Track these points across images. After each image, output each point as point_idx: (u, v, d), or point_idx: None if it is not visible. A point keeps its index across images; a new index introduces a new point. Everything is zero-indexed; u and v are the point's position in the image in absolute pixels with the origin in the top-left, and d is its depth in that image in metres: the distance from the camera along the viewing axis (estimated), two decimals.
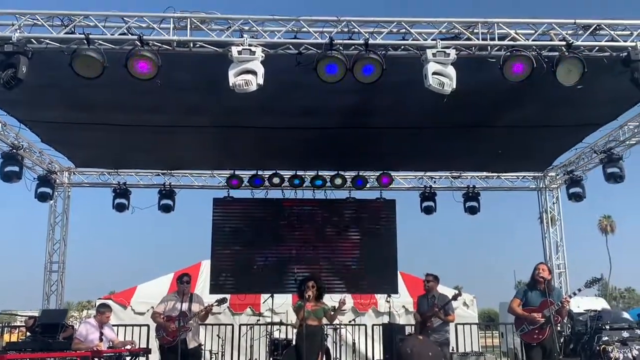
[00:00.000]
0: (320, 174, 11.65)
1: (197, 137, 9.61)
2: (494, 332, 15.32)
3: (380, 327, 11.39)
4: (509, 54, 6.33)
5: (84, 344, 8.41)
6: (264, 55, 6.15)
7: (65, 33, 6.18)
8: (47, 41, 6.19)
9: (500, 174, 12.20)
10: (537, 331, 7.30)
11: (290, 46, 6.36)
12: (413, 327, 9.94)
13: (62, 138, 9.92)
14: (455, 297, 8.90)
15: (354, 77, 6.24)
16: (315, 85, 6.65)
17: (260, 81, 6.10)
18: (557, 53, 6.42)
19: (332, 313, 8.25)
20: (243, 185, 11.69)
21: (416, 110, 8.29)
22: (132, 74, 6.17)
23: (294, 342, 10.30)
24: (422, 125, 8.90)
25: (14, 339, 11.52)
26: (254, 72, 6.10)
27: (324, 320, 8.27)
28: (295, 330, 10.77)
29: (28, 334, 9.82)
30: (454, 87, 6.14)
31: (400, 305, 12.70)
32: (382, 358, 10.81)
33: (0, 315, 12.61)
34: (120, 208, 11.82)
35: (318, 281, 8.34)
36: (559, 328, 7.49)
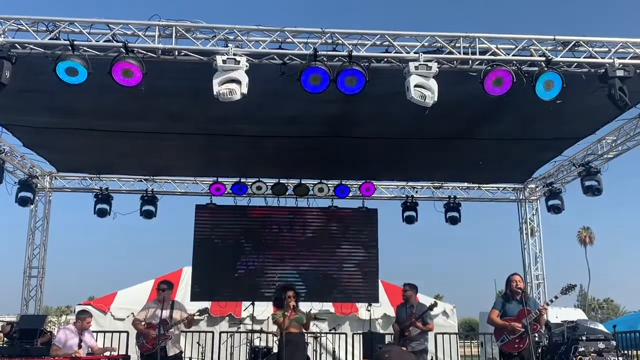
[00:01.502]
0: (303, 182, 11.70)
1: (181, 144, 9.62)
2: (473, 341, 15.42)
3: (361, 335, 11.44)
4: (489, 68, 6.44)
5: (62, 350, 8.34)
6: (248, 64, 6.20)
7: (50, 39, 6.18)
8: (31, 46, 6.19)
9: (481, 185, 12.35)
10: (517, 340, 7.40)
11: (275, 56, 6.41)
12: (392, 336, 10.00)
13: (44, 143, 9.86)
14: (431, 307, 9.00)
15: (337, 88, 6.30)
16: (299, 95, 6.71)
17: (245, 90, 6.14)
18: (536, 68, 6.54)
19: (307, 321, 8.32)
20: (226, 192, 11.71)
21: (399, 121, 8.39)
22: (116, 81, 6.18)
23: (275, 351, 10.33)
24: (404, 135, 9.00)
25: None
26: (238, 81, 6.14)
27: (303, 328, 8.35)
28: (275, 339, 10.83)
29: (5, 339, 9.74)
30: (436, 99, 6.23)
31: (380, 313, 12.75)
32: None
33: None
34: (101, 214, 11.76)
35: (295, 291, 8.42)
36: (536, 338, 7.59)
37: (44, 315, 10.96)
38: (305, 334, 8.67)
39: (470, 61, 6.55)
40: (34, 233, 11.93)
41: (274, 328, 11.64)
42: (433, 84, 6.22)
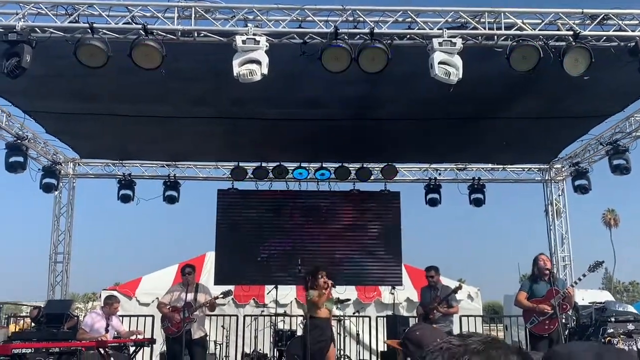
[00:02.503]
0: (324, 165, 11.61)
1: (202, 128, 9.59)
2: (498, 324, 15.29)
3: (385, 318, 11.39)
4: (515, 43, 6.27)
5: (89, 334, 8.44)
6: (268, 44, 6.11)
7: (69, 22, 6.17)
8: (51, 30, 6.17)
9: (506, 166, 12.15)
10: (547, 322, 7.29)
11: (295, 35, 6.32)
12: (417, 319, 9.94)
13: (67, 129, 9.91)
14: (456, 290, 8.92)
15: (359, 67, 6.19)
16: (320, 76, 6.63)
17: (265, 71, 6.06)
18: (564, 43, 6.36)
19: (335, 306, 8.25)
20: (247, 176, 11.68)
21: (421, 100, 8.25)
22: (137, 64, 6.15)
23: (300, 334, 10.33)
24: (427, 116, 8.85)
25: (19, 329, 11.56)
26: (258, 62, 6.07)
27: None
28: (299, 321, 10.84)
29: (33, 324, 9.88)
30: (460, 76, 6.09)
31: (404, 297, 12.68)
32: (386, 349, 10.81)
33: (6, 306, 12.66)
34: (125, 199, 11.82)
35: (326, 271, 8.27)
36: (564, 320, 7.48)
37: (70, 300, 11.07)
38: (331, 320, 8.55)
39: (495, 37, 6.40)
40: (59, 219, 12.03)
41: (297, 311, 11.69)
42: (457, 60, 6.08)
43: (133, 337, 8.97)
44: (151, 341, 9.26)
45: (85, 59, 6.07)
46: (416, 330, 2.56)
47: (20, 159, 9.72)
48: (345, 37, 6.19)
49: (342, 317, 11.25)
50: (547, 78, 7.04)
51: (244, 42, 6.05)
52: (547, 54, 6.29)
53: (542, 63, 6.26)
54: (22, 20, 6.09)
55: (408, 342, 2.52)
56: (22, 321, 12.85)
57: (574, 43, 6.28)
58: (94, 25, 6.08)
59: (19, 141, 9.68)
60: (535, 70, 6.34)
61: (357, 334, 12.07)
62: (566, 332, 8.43)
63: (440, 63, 6.05)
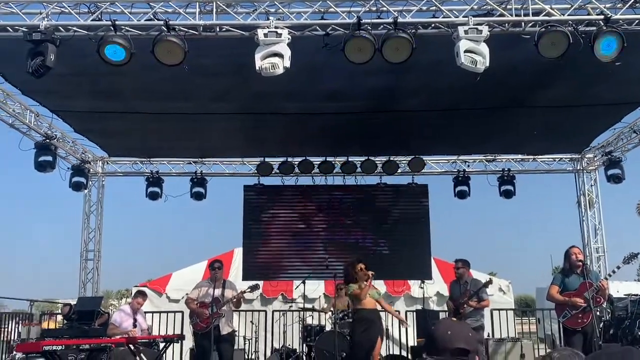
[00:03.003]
0: (350, 159, 11.52)
1: (226, 124, 9.59)
2: (530, 318, 15.05)
3: (414, 313, 11.28)
4: (544, 29, 6.09)
5: (119, 329, 8.54)
6: (290, 37, 6.04)
7: (92, 20, 6.18)
8: (75, 29, 6.19)
9: (536, 157, 11.91)
10: (580, 315, 7.11)
11: (317, 27, 6.23)
12: (447, 313, 9.81)
13: (94, 127, 10.00)
14: (486, 285, 8.76)
15: (382, 57, 6.08)
16: (343, 68, 6.54)
17: (287, 64, 6.00)
18: (594, 28, 6.16)
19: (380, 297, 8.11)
20: (273, 172, 11.67)
21: (448, 91, 8.10)
22: (160, 60, 6.15)
23: (328, 329, 10.28)
24: (454, 106, 8.70)
25: (52, 326, 11.74)
26: (280, 55, 6.00)
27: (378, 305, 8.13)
28: (328, 316, 10.78)
29: (65, 322, 10.03)
30: (487, 64, 5.94)
31: (434, 291, 12.55)
32: (416, 344, 10.70)
33: (40, 303, 12.87)
34: (153, 196, 11.91)
35: (365, 263, 8.13)
36: (598, 313, 7.28)
37: (100, 297, 11.23)
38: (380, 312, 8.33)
39: (522, 23, 6.21)
40: (89, 217, 12.18)
41: (325, 306, 11.63)
42: (484, 48, 5.93)
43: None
44: (180, 337, 9.29)
45: (108, 56, 6.07)
46: (439, 326, 2.48)
47: (50, 158, 9.84)
48: (369, 27, 6.07)
49: None
50: (578, 64, 6.84)
51: (265, 35, 5.99)
52: (577, 39, 6.09)
53: (571, 49, 6.07)
54: (46, 19, 6.13)
55: (435, 340, 2.45)
56: (55, 318, 13.05)
57: (604, 27, 6.07)
58: (117, 22, 6.08)
59: (48, 140, 9.80)
60: (564, 56, 6.15)
61: (387, 329, 11.98)
62: (601, 325, 8.23)
63: (466, 51, 5.91)
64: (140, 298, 9.23)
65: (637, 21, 6.28)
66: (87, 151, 11.58)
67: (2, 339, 10.50)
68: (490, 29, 6.08)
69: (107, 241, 12.42)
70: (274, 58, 6.02)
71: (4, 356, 10.10)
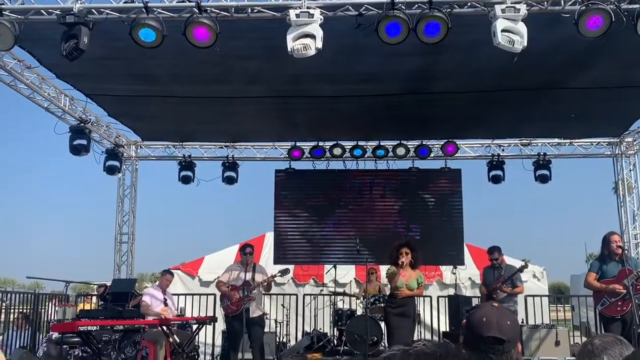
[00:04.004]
0: (382, 144, 11.40)
1: (258, 107, 9.56)
2: (565, 305, 14.80)
3: (446, 298, 11.19)
4: (584, 7, 5.88)
5: (152, 307, 8.67)
6: (322, 17, 5.95)
7: (124, 2, 6.18)
8: (107, 11, 6.21)
9: (573, 140, 11.62)
10: (619, 303, 6.95)
11: (350, 7, 6.12)
12: (479, 299, 9.70)
13: (128, 111, 10.08)
14: (522, 269, 8.64)
15: (417, 37, 5.96)
16: (376, 49, 6.44)
17: (319, 45, 5.92)
18: (638, 5, 5.92)
19: (420, 286, 7.87)
20: (304, 156, 11.63)
21: (483, 72, 7.92)
22: (191, 42, 6.13)
23: (359, 313, 10.26)
24: (489, 88, 8.50)
25: (87, 307, 11.96)
26: (312, 36, 5.92)
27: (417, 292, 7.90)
28: (359, 301, 10.76)
29: (101, 302, 10.20)
30: (525, 44, 5.77)
31: (466, 277, 12.42)
32: (448, 330, 10.61)
33: (76, 285, 13.11)
34: (186, 180, 11.99)
35: (413, 247, 7.86)
36: (637, 300, 7.09)
37: (134, 279, 11.36)
38: (415, 299, 8.12)
39: (562, 1, 6.01)
40: (123, 201, 12.33)
41: (356, 291, 11.61)
42: (522, 27, 5.76)
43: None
44: (213, 319, 9.38)
45: (141, 38, 6.07)
46: (475, 311, 2.39)
47: (84, 142, 9.96)
48: (403, 6, 5.95)
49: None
50: (619, 44, 6.60)
51: (297, 16, 5.91)
52: (619, 17, 5.87)
53: (613, 28, 5.85)
54: (79, 2, 6.14)
55: (468, 327, 2.35)
56: (90, 300, 13.30)
57: None
58: (149, 4, 6.07)
59: (82, 124, 9.91)
60: (605, 35, 5.94)
61: (418, 314, 11.92)
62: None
63: (503, 31, 5.75)
64: (168, 275, 9.42)
65: None
66: (120, 135, 11.70)
67: (42, 319, 10.74)
68: (529, 7, 5.91)
69: (140, 225, 12.58)
70: (306, 39, 5.94)
71: (41, 336, 10.33)
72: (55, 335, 8.88)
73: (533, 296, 11.00)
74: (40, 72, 8.57)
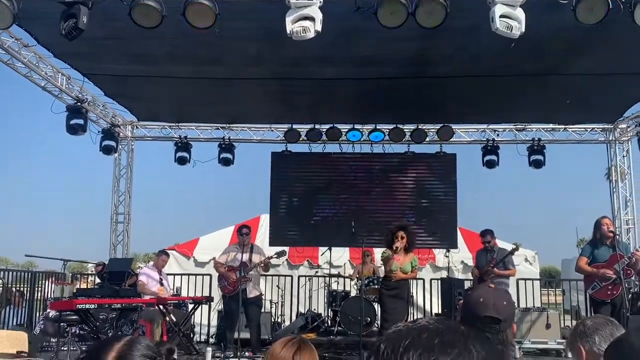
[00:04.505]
0: (378, 127, 11.45)
1: (256, 89, 9.57)
2: (556, 289, 14.99)
3: (439, 281, 11.32)
4: None
5: (148, 286, 8.76)
6: (322, 0, 5.97)
7: None
8: None
9: (568, 126, 11.70)
10: (610, 287, 7.08)
11: None
12: (472, 282, 9.83)
13: (125, 91, 10.06)
14: (513, 252, 8.77)
15: (416, 21, 5.99)
16: (375, 33, 6.45)
17: (319, 27, 5.93)
18: None
19: (413, 270, 8.01)
20: (301, 139, 11.66)
21: (480, 57, 7.96)
22: (190, 23, 6.13)
23: (353, 294, 10.39)
24: (486, 73, 8.55)
25: (83, 286, 12.05)
26: (311, 18, 5.93)
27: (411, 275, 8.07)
28: (353, 283, 10.88)
29: (97, 280, 10.29)
30: (523, 30, 5.81)
31: (458, 260, 12.55)
32: (440, 312, 10.76)
33: (72, 264, 13.21)
34: (182, 161, 12.00)
35: (409, 230, 8.03)
36: (627, 285, 7.23)
37: (131, 259, 11.46)
38: (409, 282, 8.29)
39: None
40: (119, 181, 12.37)
41: (351, 272, 11.72)
42: (520, 13, 5.80)
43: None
44: (209, 299, 9.50)
45: (139, 19, 6.07)
46: (473, 292, 2.48)
47: (81, 121, 9.97)
48: None
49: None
50: (616, 31, 6.65)
51: None
52: (617, 4, 5.91)
53: (610, 15, 5.90)
54: None
55: (466, 307, 2.44)
56: (87, 278, 13.39)
57: None
58: None
59: (79, 104, 9.91)
60: (603, 22, 5.99)
61: (411, 297, 12.06)
62: (629, 297, 8.18)
63: (501, 16, 5.78)
64: (164, 256, 9.50)
65: None
66: (117, 115, 11.69)
67: (38, 297, 10.83)
68: None
69: (135, 205, 12.62)
70: (305, 21, 5.95)
71: (38, 314, 10.43)
72: (52, 313, 8.98)
73: (525, 280, 11.15)
74: (38, 51, 8.56)
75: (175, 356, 1.32)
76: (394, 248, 7.67)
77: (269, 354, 2.45)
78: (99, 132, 11.16)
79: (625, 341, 1.32)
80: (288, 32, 5.96)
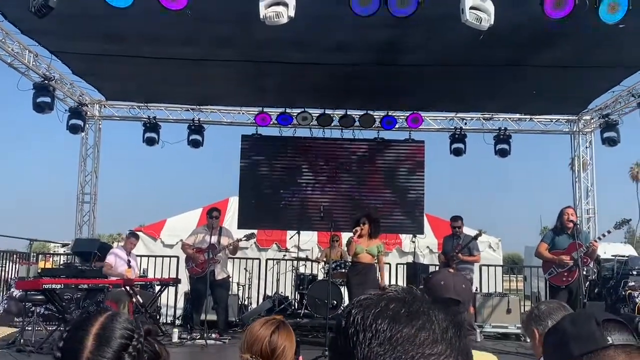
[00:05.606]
0: (349, 113, 11.54)
1: (227, 71, 9.54)
2: (518, 275, 15.36)
3: (405, 266, 11.51)
4: None
5: (113, 269, 8.71)
6: None
7: None
8: None
9: (533, 117, 11.96)
10: (565, 274, 7.32)
11: None
12: (438, 267, 10.03)
13: (93, 70, 9.92)
14: (476, 237, 8.97)
15: (388, 10, 6.06)
16: (348, 19, 6.50)
17: (292, 13, 5.96)
18: None
19: (380, 254, 8.22)
20: (271, 122, 11.68)
21: (450, 47, 8.08)
22: (162, 4, 6.09)
23: (320, 278, 10.51)
24: (455, 62, 8.68)
25: (48, 266, 11.92)
26: (285, 4, 5.96)
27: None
28: (321, 266, 11.00)
29: (63, 260, 10.18)
30: (492, 22, 5.94)
31: (424, 245, 12.75)
32: None
33: (35, 244, 13.04)
34: (150, 142, 11.91)
35: (373, 217, 8.26)
36: (585, 272, 7.49)
37: (97, 239, 11.37)
38: (376, 266, 8.45)
39: None
40: (85, 160, 12.23)
41: (319, 256, 11.84)
42: (489, 5, 5.92)
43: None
44: (176, 281, 9.51)
45: None
46: (434, 275, 2.59)
47: (48, 99, 9.81)
48: None
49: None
50: (581, 26, 6.83)
51: None
52: (583, 0, 6.07)
53: (576, 10, 6.06)
54: None
55: (427, 289, 2.55)
56: (51, 259, 13.24)
57: None
58: None
59: (47, 82, 9.74)
60: (569, 17, 6.14)
61: (377, 281, 12.23)
62: (586, 284, 8.48)
63: (471, 8, 5.89)
64: (133, 238, 9.42)
65: None
66: (84, 94, 11.52)
67: (0, 277, 10.68)
68: None
69: (101, 185, 12.50)
70: (279, 7, 5.98)
71: (1, 294, 10.30)
72: (16, 292, 8.89)
73: (487, 266, 11.40)
74: (5, 27, 8.38)
75: (153, 338, 1.39)
76: (353, 231, 7.86)
77: (248, 332, 2.53)
78: (66, 110, 10.99)
79: (559, 328, 1.43)
80: (261, 16, 5.99)
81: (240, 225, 11.33)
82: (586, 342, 1.31)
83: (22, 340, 7.05)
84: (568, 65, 8.74)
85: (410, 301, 0.92)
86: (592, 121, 11.85)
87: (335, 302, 9.58)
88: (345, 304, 8.64)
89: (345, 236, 10.68)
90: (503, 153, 11.93)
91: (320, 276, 10.77)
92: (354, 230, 7.97)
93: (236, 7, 7.00)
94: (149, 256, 11.61)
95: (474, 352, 1.10)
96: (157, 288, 9.37)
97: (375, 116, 11.53)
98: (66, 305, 8.38)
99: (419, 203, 11.88)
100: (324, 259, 10.63)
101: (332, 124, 11.71)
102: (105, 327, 1.28)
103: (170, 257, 11.16)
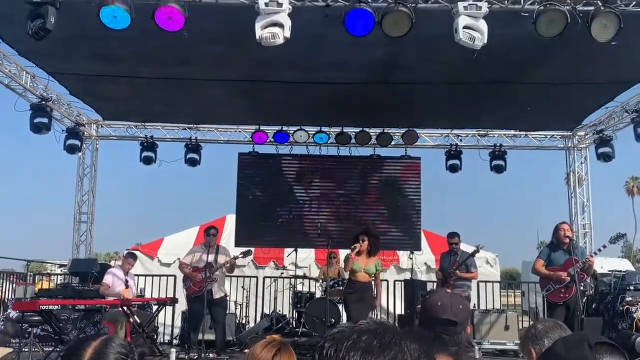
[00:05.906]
0: (345, 130, 11.59)
1: (224, 90, 9.60)
2: (515, 291, 15.35)
3: (402, 282, 11.49)
4: (542, 7, 6.14)
5: (110, 289, 8.68)
6: (291, 7, 6.05)
7: None
8: None
9: (528, 133, 12.03)
10: (563, 290, 7.33)
11: None
12: (435, 284, 10.03)
13: (90, 90, 9.97)
14: (474, 253, 8.98)
15: (382, 31, 6.12)
16: (343, 39, 6.56)
17: (287, 34, 6.02)
18: (592, 8, 6.22)
19: (377, 272, 8.18)
20: (268, 140, 11.72)
21: (445, 65, 8.15)
22: (159, 26, 6.14)
23: (318, 296, 10.48)
24: (450, 80, 8.76)
25: (45, 286, 11.86)
26: (280, 25, 6.02)
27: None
28: (318, 284, 10.98)
29: (60, 280, 10.14)
30: (485, 41, 6.00)
31: (422, 262, 12.75)
32: (403, 313, 10.93)
33: (32, 264, 12.99)
34: (147, 161, 11.93)
35: (372, 233, 8.22)
36: (582, 288, 7.50)
37: (95, 259, 11.33)
38: (373, 284, 8.38)
39: (522, 0, 6.27)
40: (82, 180, 12.23)
41: (316, 274, 11.83)
42: (482, 25, 5.99)
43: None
44: (173, 300, 9.47)
45: (108, 21, 6.06)
46: (431, 296, 2.61)
47: (45, 120, 9.83)
48: (369, 0, 6.11)
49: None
50: (574, 44, 6.92)
51: (266, 4, 5.99)
52: (575, 18, 6.15)
53: (569, 28, 6.14)
54: None
55: (424, 310, 2.57)
56: (49, 279, 13.17)
57: (602, 8, 6.13)
58: None
59: (44, 102, 9.78)
60: (562, 35, 6.22)
61: (375, 298, 12.21)
62: (584, 300, 8.48)
63: (465, 27, 5.96)
64: (131, 259, 9.39)
65: (635, 2, 6.33)
66: (81, 114, 11.56)
67: None
68: (490, 5, 6.13)
69: (98, 204, 12.49)
70: (275, 28, 6.04)
71: None
72: (13, 313, 8.85)
73: (485, 282, 11.39)
74: (2, 49, 8.44)
75: None
76: (352, 248, 7.85)
77: (249, 355, 2.51)
78: (63, 130, 11.02)
79: (553, 351, 1.45)
80: (257, 37, 6.04)
81: (238, 243, 11.32)
82: None
83: None
84: (562, 82, 8.82)
85: (382, 333, 0.93)
86: (587, 137, 11.93)
87: (333, 320, 9.56)
88: (343, 322, 8.66)
89: (342, 253, 10.68)
90: (499, 169, 11.98)
91: (318, 294, 10.76)
92: (352, 247, 7.95)
93: (232, 28, 7.07)
94: (146, 275, 11.58)
95: None
96: (155, 307, 9.34)
97: (371, 133, 11.59)
98: (63, 326, 8.34)
99: (416, 219, 11.90)
100: (322, 277, 10.63)
101: (329, 142, 11.76)
102: (99, 352, 1.29)
103: (167, 276, 11.13)
